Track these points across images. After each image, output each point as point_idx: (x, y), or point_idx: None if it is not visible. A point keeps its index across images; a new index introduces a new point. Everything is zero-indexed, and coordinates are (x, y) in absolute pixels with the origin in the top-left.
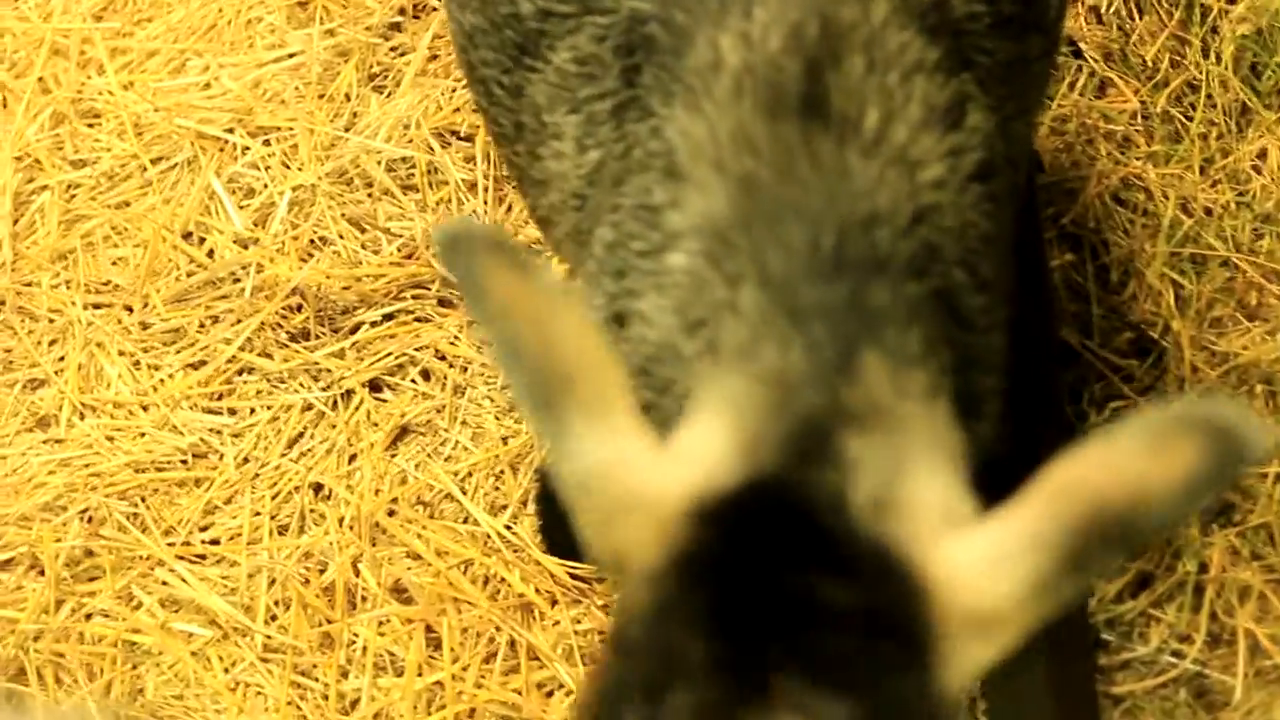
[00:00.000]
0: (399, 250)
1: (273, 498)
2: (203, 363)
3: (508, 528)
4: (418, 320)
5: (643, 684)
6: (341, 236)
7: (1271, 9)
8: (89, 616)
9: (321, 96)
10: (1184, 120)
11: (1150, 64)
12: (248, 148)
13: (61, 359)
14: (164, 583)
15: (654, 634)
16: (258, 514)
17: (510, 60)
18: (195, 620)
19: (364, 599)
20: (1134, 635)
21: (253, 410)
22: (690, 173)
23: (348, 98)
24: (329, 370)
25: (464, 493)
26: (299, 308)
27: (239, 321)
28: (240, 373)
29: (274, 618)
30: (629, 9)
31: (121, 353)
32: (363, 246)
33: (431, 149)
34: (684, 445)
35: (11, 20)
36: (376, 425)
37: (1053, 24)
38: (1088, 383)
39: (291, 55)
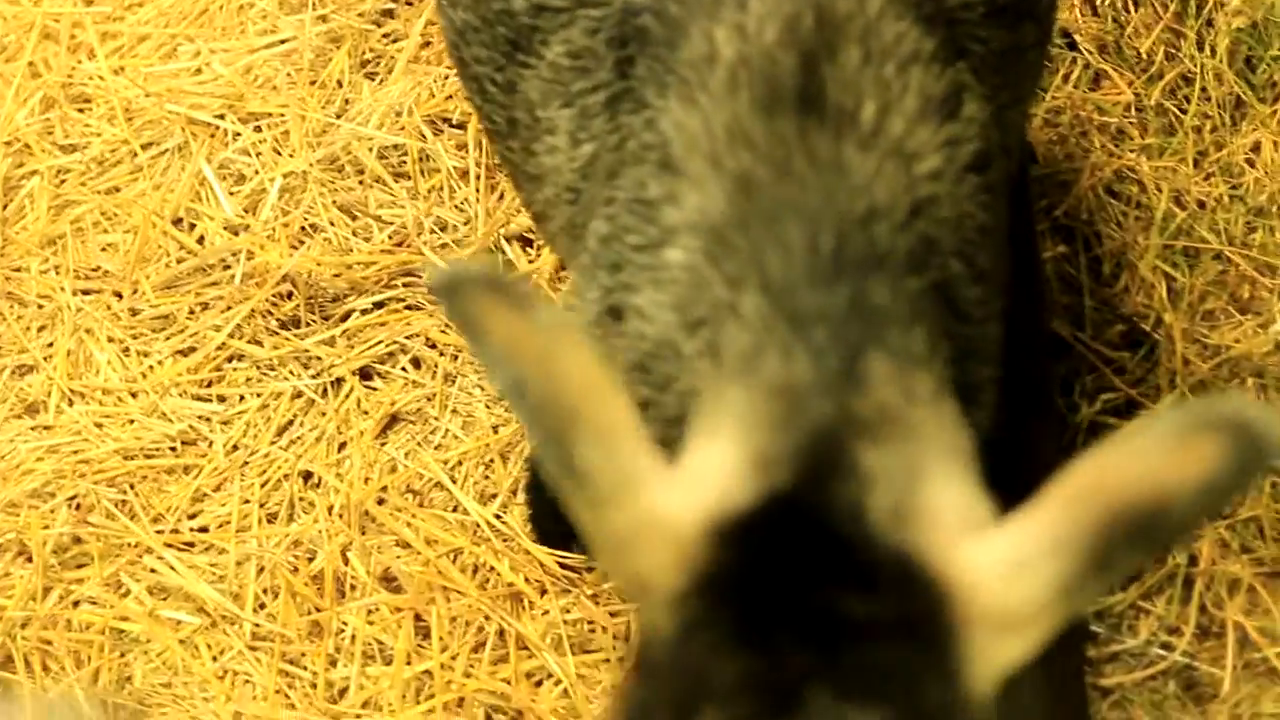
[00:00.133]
0: (390, 238)
1: (262, 485)
2: (192, 349)
3: (497, 517)
4: (408, 308)
5: (673, 704)
6: (332, 224)
7: (1267, 2)
8: (77, 604)
9: (313, 83)
10: (1178, 113)
11: (1145, 56)
12: (239, 134)
13: (50, 345)
14: (152, 570)
15: (680, 656)
16: (247, 502)
17: (503, 56)
18: (183, 608)
19: (353, 587)
20: (1123, 628)
21: (242, 398)
22: (686, 167)
23: (339, 84)
24: (319, 358)
25: (454, 481)
26: (289, 295)
27: (229, 308)
28: (230, 360)
29: (262, 606)
30: (622, 1)
31: (111, 339)
32: (354, 234)
33: (424, 136)
34: (695, 466)
35: (1, 4)
36: (366, 413)
37: (1045, 12)
38: (1079, 375)
39: (283, 41)
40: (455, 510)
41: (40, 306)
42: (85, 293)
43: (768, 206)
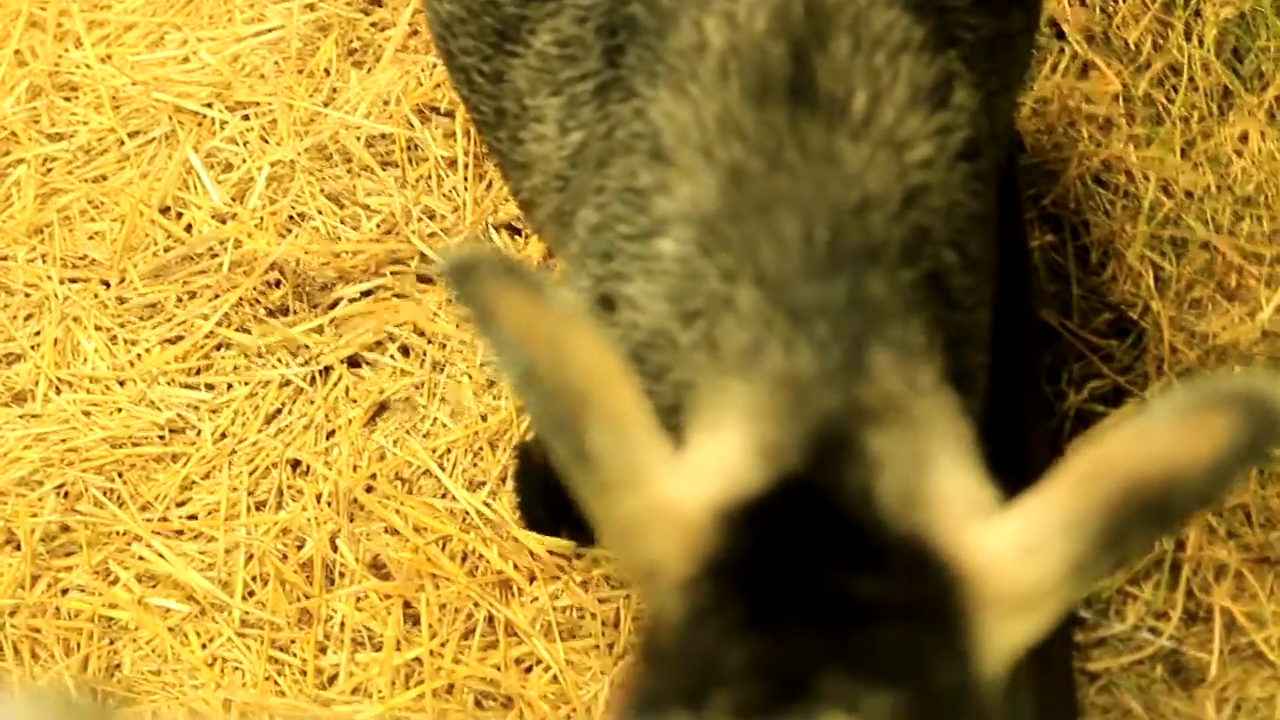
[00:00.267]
0: (378, 226)
1: (250, 473)
2: (180, 338)
3: (486, 504)
4: (397, 296)
5: (683, 690)
6: (320, 212)
7: None
8: (65, 592)
9: (301, 71)
10: (1166, 103)
11: (1133, 46)
12: (226, 122)
13: (38, 334)
14: (141, 558)
15: (690, 642)
16: (235, 490)
17: (490, 47)
18: (172, 596)
19: (342, 575)
20: (1111, 613)
21: (230, 386)
22: (677, 157)
23: (327, 73)
24: (307, 346)
25: (442, 469)
26: (277, 283)
27: (217, 297)
28: (218, 348)
29: (251, 593)
30: None
31: (98, 327)
32: (341, 222)
33: (411, 125)
34: (703, 454)
35: None
36: (355, 401)
37: None
38: (1067, 363)
39: (271, 30)
40: (444, 498)
41: (27, 295)
42: (73, 281)
43: (760, 198)
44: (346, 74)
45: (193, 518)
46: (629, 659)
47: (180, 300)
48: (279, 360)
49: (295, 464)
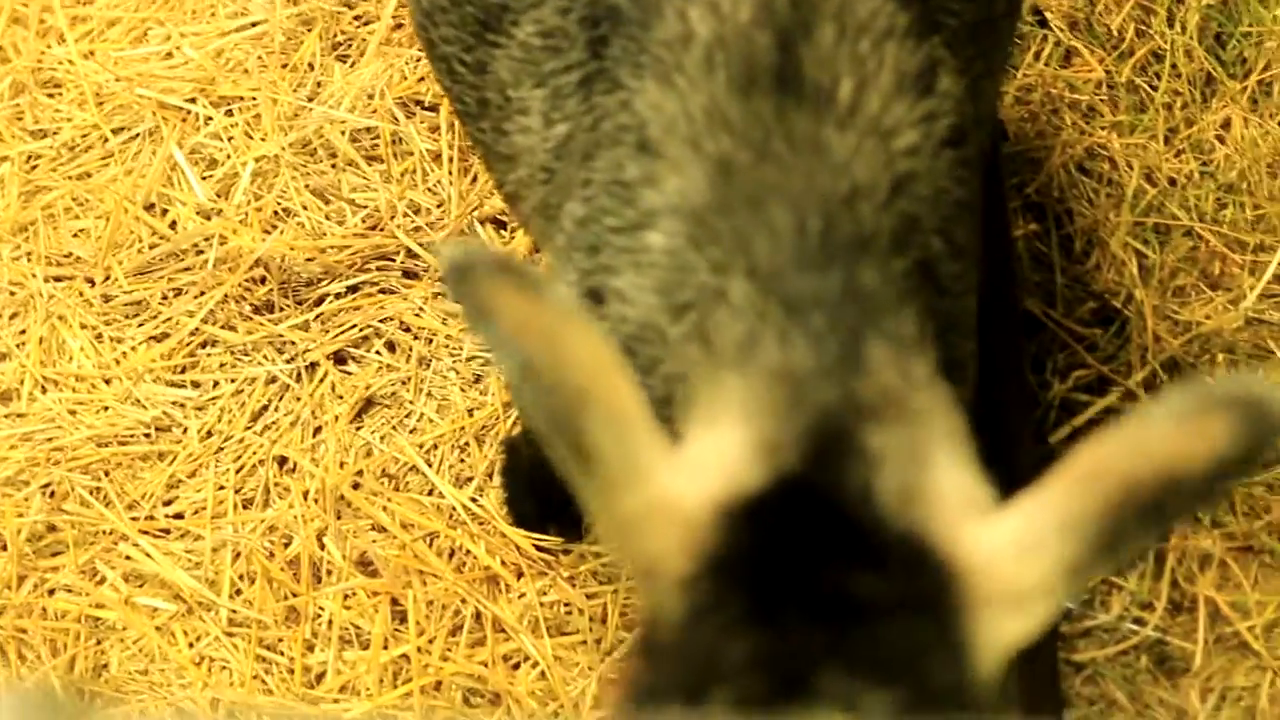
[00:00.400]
0: (363, 221)
1: (237, 471)
2: (165, 335)
3: (473, 500)
4: (382, 292)
5: (682, 685)
6: (305, 208)
7: None
8: (52, 592)
9: (284, 66)
10: (1149, 90)
11: (1115, 33)
12: (210, 118)
13: (22, 332)
14: (127, 557)
15: (690, 639)
16: (221, 488)
17: (472, 37)
18: (159, 595)
19: (329, 572)
20: (1096, 603)
21: (216, 383)
22: (664, 149)
23: (311, 67)
24: (293, 342)
25: (429, 465)
26: (263, 279)
27: (202, 294)
28: (203, 345)
29: (239, 592)
30: None
31: (83, 325)
32: (326, 218)
33: (396, 119)
34: (702, 450)
35: None
36: (341, 398)
37: None
38: (1051, 352)
39: (254, 24)
40: (431, 494)
41: (12, 294)
42: (57, 279)
43: (750, 190)
44: (330, 68)
45: (179, 516)
46: (618, 655)
47: (165, 297)
48: (265, 357)
49: (282, 461)
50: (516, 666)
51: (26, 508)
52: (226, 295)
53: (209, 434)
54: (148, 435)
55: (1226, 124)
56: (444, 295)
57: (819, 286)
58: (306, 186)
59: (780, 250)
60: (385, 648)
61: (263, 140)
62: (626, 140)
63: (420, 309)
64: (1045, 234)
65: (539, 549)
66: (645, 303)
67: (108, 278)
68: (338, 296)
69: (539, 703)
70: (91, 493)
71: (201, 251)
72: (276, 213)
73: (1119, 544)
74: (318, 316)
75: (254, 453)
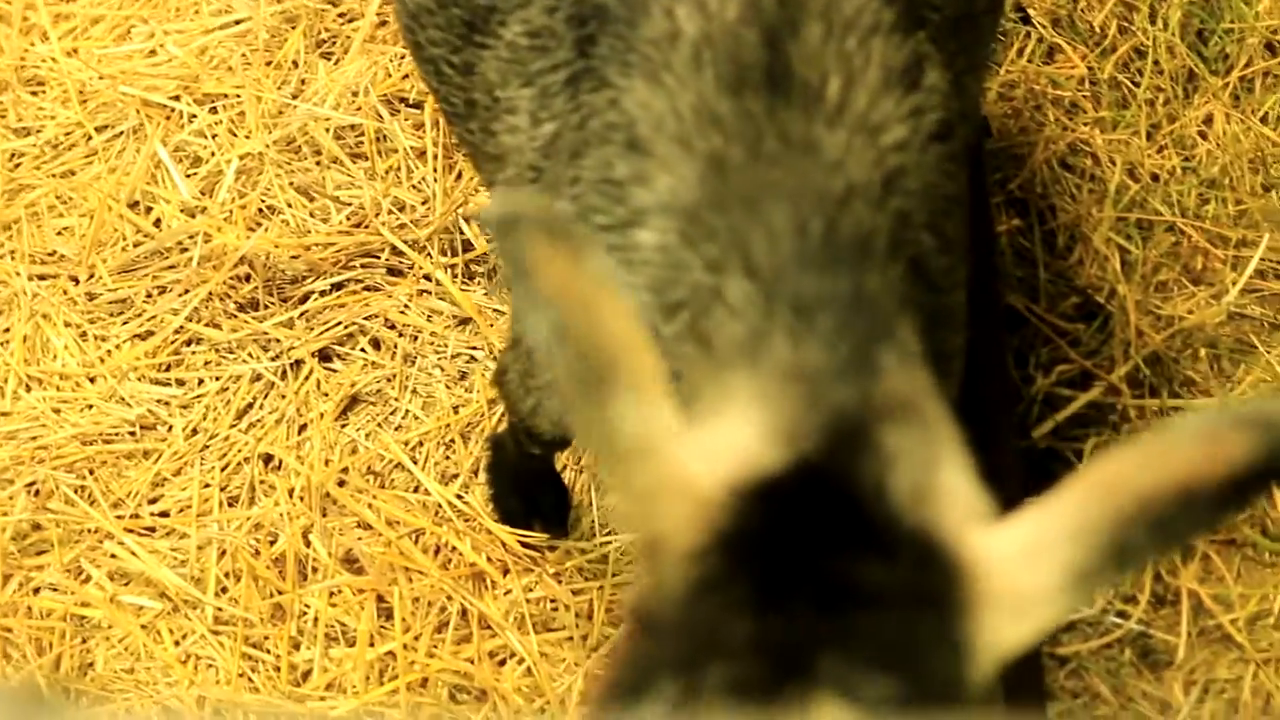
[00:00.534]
0: (348, 219)
1: (222, 469)
2: (150, 333)
3: (459, 497)
4: (367, 289)
5: (679, 661)
6: (290, 205)
7: None
8: (37, 590)
9: (269, 63)
10: (1131, 86)
11: (1098, 30)
12: (194, 115)
13: (6, 330)
14: (113, 556)
15: (691, 613)
16: (207, 485)
17: (459, 38)
18: (145, 593)
19: (315, 570)
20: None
21: (201, 381)
22: (654, 147)
23: (295, 64)
24: (278, 340)
25: (415, 462)
26: (247, 277)
27: (187, 291)
28: (188, 343)
29: (224, 590)
30: None
31: (68, 324)
32: (311, 215)
33: (380, 116)
34: (717, 435)
35: None
36: (326, 395)
37: None
38: (1034, 347)
39: (238, 22)
40: (416, 491)
41: None
42: (41, 277)
43: (744, 188)
44: (315, 66)
45: (164, 514)
46: (604, 651)
47: (150, 295)
48: (250, 355)
49: (267, 459)
50: (503, 663)
51: (11, 506)
52: (211, 293)
53: (194, 432)
54: (132, 433)
55: (1209, 120)
56: (428, 292)
57: (827, 288)
58: (291, 184)
59: (780, 250)
60: (371, 645)
61: (247, 138)
62: (615, 138)
63: (405, 306)
64: (1028, 229)
65: (525, 545)
66: (637, 301)
67: (92, 276)
68: (322, 294)
69: (525, 699)
70: (76, 491)
71: (186, 249)
72: (261, 210)
73: (1127, 555)
74: (302, 314)
75: (239, 450)
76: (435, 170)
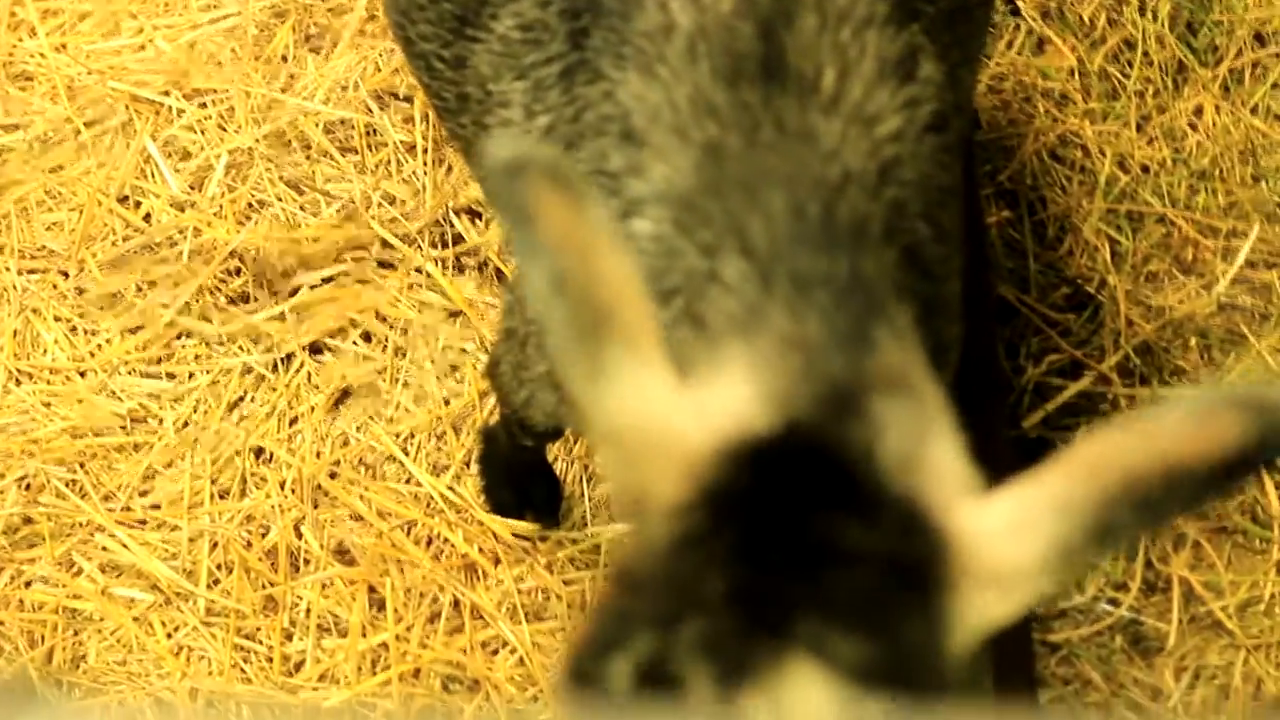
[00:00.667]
0: (338, 213)
1: (213, 462)
2: (140, 327)
3: (450, 488)
4: (358, 282)
5: (655, 615)
6: (280, 199)
7: None
8: (29, 584)
9: (258, 58)
10: (1121, 78)
11: (1087, 21)
12: (183, 110)
13: None
14: (104, 548)
15: (671, 567)
16: (198, 478)
17: (450, 33)
18: (137, 585)
19: (306, 561)
20: (1070, 584)
21: (192, 375)
22: (649, 138)
23: (284, 59)
24: (269, 334)
25: (406, 454)
26: (237, 271)
27: (177, 285)
28: (179, 337)
29: (216, 582)
30: None
31: (58, 318)
32: (301, 209)
33: (370, 110)
34: (714, 393)
35: None
36: (317, 388)
37: None
38: (1025, 338)
39: (227, 16)
40: (408, 482)
41: None
42: (31, 272)
43: (741, 174)
44: (304, 60)
45: (156, 507)
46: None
47: (140, 290)
48: (240, 348)
49: (258, 452)
50: (495, 653)
51: (2, 500)
52: (201, 287)
53: (185, 425)
54: (124, 427)
55: (1198, 111)
56: (419, 285)
57: (825, 267)
58: (281, 178)
59: (777, 231)
60: (364, 636)
61: (236, 132)
62: (610, 130)
63: (396, 299)
64: (1018, 221)
65: (516, 536)
66: None
67: (81, 270)
68: (313, 288)
69: (518, 689)
70: (67, 484)
71: (176, 244)
72: (251, 205)
73: (1111, 533)
74: (293, 308)
75: (230, 443)
76: (425, 164)
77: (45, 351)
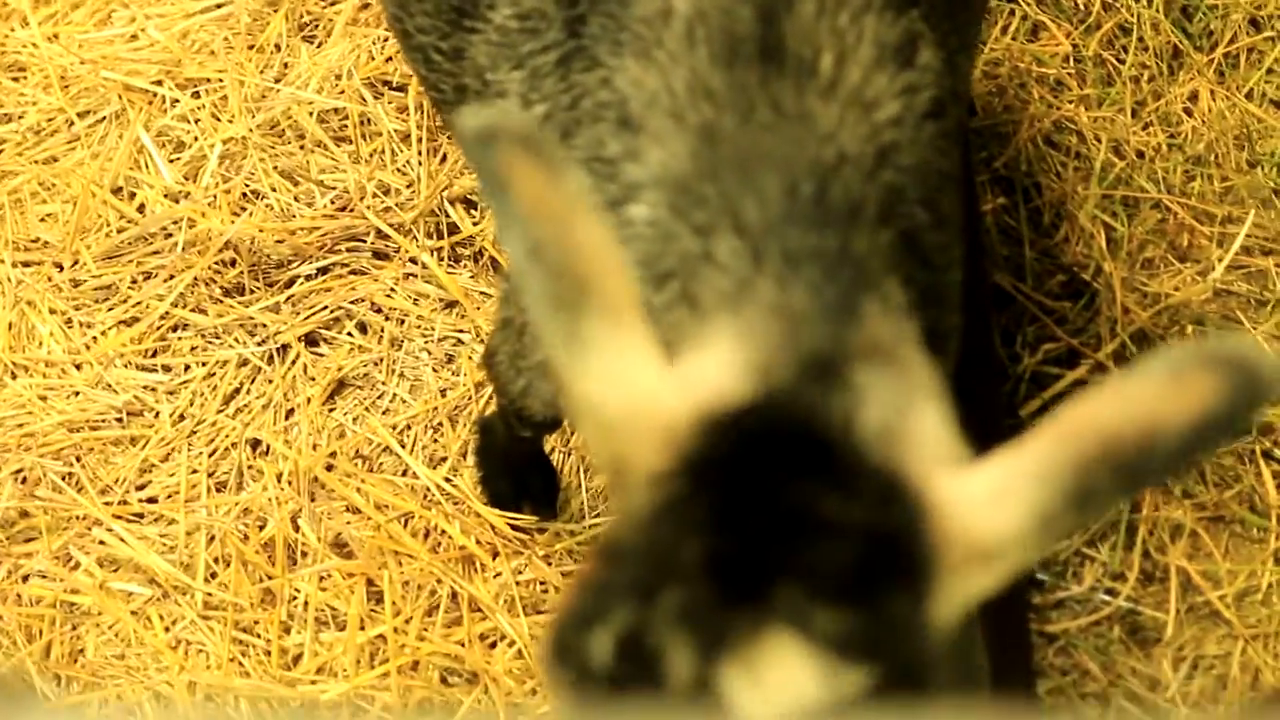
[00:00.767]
0: (333, 203)
1: (210, 454)
2: (136, 319)
3: (447, 480)
4: (353, 273)
5: (634, 584)
6: (274, 189)
7: None
8: (26, 578)
9: (251, 47)
10: (1116, 63)
11: (1082, 7)
12: (176, 100)
13: None
14: (101, 542)
15: (650, 536)
16: (195, 471)
17: (448, 24)
18: (134, 579)
19: (304, 554)
20: (1068, 575)
21: (188, 367)
22: (646, 123)
23: (278, 48)
24: (264, 325)
25: (403, 446)
26: (232, 262)
27: (171, 277)
28: (174, 329)
29: (214, 575)
30: None
31: (53, 311)
32: (296, 199)
33: (364, 99)
34: (695, 362)
35: None
36: (313, 379)
37: None
38: (1020, 325)
39: (219, 5)
40: (405, 474)
41: None
42: (25, 264)
43: (736, 155)
44: (297, 49)
45: (153, 500)
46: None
47: (135, 281)
48: (236, 340)
49: (255, 444)
50: (493, 645)
51: None
52: (196, 278)
53: (181, 418)
54: (120, 420)
55: (1194, 96)
56: (414, 276)
57: (815, 243)
58: (275, 168)
59: (769, 209)
60: (361, 629)
61: (230, 122)
62: (607, 117)
63: (391, 290)
64: (1013, 208)
65: (514, 528)
66: None
67: (76, 262)
68: (308, 278)
69: (516, 681)
70: (64, 478)
71: (170, 235)
72: (245, 195)
73: (1090, 499)
74: (288, 299)
75: (227, 436)
76: (420, 153)
77: (40, 344)
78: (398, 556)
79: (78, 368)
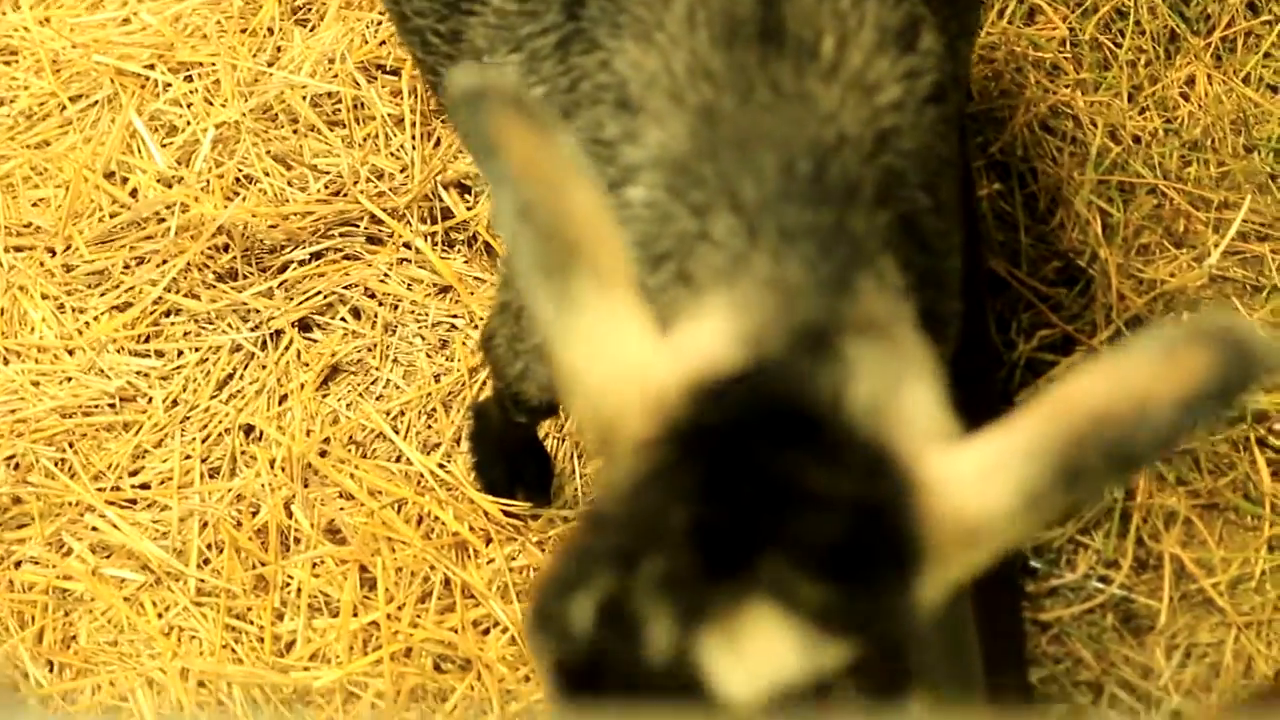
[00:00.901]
0: (326, 187)
1: (203, 440)
2: (128, 304)
3: (441, 466)
4: (346, 258)
5: (617, 551)
6: (267, 174)
7: None
8: (19, 564)
9: (244, 31)
10: (1112, 47)
11: None
12: (169, 84)
13: None
14: (94, 528)
15: (635, 503)
16: (188, 457)
17: (445, 6)
18: (127, 565)
19: (297, 540)
20: (1061, 562)
21: (180, 352)
22: (645, 105)
23: (270, 32)
24: (257, 310)
25: (396, 432)
26: (225, 247)
27: (164, 262)
28: (167, 314)
29: (206, 561)
30: None
31: (45, 296)
32: (289, 184)
33: (357, 83)
34: (687, 331)
35: None
36: (307, 365)
37: None
38: (1016, 311)
39: None
40: (398, 461)
41: None
42: (17, 249)
43: (734, 134)
44: (290, 33)
45: (145, 486)
46: None
47: (128, 266)
48: (229, 325)
49: (248, 430)
50: (486, 632)
51: None
52: (189, 263)
53: (174, 403)
54: (112, 405)
55: (1190, 81)
56: (408, 261)
57: (811, 219)
58: (268, 153)
59: (766, 187)
60: (355, 615)
61: (223, 106)
62: (606, 99)
63: (385, 275)
64: (1009, 193)
65: (507, 514)
66: None
67: (69, 247)
68: (301, 263)
69: (509, 668)
70: (56, 464)
71: (163, 219)
72: (238, 179)
73: (1079, 476)
74: (282, 284)
75: (220, 422)
76: (413, 137)
77: (33, 330)
78: (391, 543)
79: (70, 353)
